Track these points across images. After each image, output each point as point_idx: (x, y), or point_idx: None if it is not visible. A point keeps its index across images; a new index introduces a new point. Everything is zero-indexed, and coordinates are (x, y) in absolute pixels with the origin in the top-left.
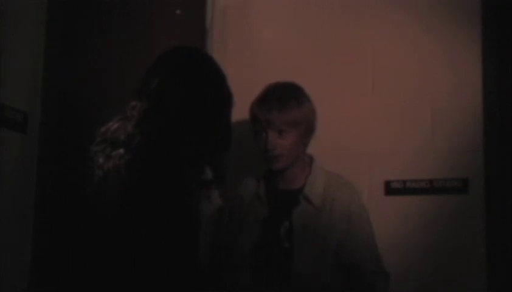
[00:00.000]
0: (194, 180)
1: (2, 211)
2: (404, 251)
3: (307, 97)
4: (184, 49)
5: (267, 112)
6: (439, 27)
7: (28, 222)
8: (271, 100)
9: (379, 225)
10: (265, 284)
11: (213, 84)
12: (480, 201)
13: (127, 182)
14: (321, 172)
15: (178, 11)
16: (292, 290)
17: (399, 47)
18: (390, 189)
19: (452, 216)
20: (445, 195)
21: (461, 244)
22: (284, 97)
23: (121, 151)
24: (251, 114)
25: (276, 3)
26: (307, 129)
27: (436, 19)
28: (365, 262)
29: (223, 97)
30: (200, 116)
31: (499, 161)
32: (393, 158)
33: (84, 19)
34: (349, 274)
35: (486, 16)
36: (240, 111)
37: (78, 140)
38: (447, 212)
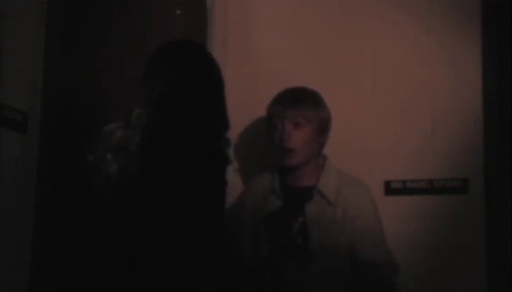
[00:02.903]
0: (218, 171)
1: (2, 211)
2: (404, 251)
3: (325, 102)
4: (177, 45)
5: (284, 107)
6: (439, 27)
7: (28, 222)
8: (289, 99)
9: None
10: (282, 279)
11: (210, 75)
12: (480, 201)
13: (150, 188)
14: (334, 170)
15: (178, 11)
16: (308, 284)
17: (399, 47)
18: (390, 189)
19: (452, 216)
20: (445, 195)
21: (461, 244)
22: (301, 97)
23: (136, 161)
24: (268, 111)
25: (276, 3)
26: (322, 128)
27: (436, 19)
28: (377, 256)
29: (219, 83)
30: (205, 109)
31: (499, 161)
32: (393, 158)
33: (84, 19)
34: (362, 269)
35: (486, 16)
36: (240, 110)
37: (78, 140)
38: (447, 212)
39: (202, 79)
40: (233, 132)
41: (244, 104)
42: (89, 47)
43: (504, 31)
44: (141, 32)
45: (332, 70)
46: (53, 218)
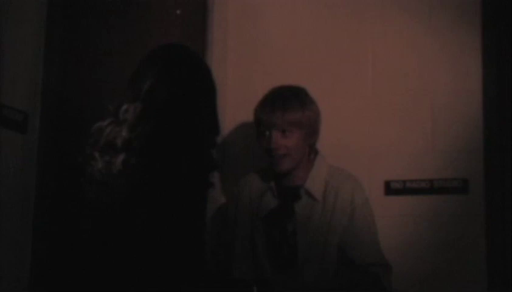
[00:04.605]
0: (202, 174)
1: (2, 211)
2: (404, 251)
3: (312, 99)
4: (170, 47)
5: (270, 113)
6: (440, 27)
7: (28, 222)
8: (274, 102)
9: (379, 225)
10: (275, 279)
11: (201, 79)
12: (480, 201)
13: (134, 184)
14: (324, 165)
15: (178, 11)
16: (298, 284)
17: (399, 48)
18: (390, 189)
19: (452, 216)
20: (445, 195)
21: (461, 244)
22: (287, 99)
23: (122, 156)
24: (255, 116)
25: (276, 3)
26: (311, 130)
27: (436, 19)
28: (366, 256)
29: (211, 88)
30: (193, 111)
31: (499, 161)
32: (393, 158)
33: (84, 19)
34: (351, 267)
35: (486, 16)
36: (240, 110)
37: (78, 140)
38: (447, 212)
39: (197, 81)
40: (233, 132)
41: (244, 104)
42: (89, 47)
43: (504, 31)
44: (141, 32)
45: (332, 70)
46: (53, 218)
